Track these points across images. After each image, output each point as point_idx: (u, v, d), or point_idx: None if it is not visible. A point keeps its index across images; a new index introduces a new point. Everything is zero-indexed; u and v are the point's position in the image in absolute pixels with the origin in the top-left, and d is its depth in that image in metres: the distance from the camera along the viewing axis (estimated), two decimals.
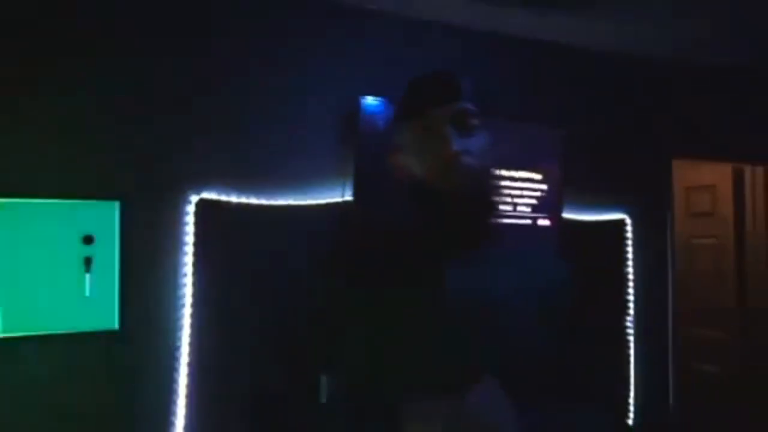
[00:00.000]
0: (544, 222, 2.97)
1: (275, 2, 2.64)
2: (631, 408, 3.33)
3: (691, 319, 4.07)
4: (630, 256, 3.38)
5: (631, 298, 3.36)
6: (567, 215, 3.11)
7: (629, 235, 3.38)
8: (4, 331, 2.17)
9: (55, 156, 2.27)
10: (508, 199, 2.89)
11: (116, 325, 2.32)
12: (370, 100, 2.63)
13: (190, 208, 2.45)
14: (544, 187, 2.98)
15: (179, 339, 2.40)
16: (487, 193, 1.11)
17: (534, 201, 2.95)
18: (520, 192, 2.92)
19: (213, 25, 2.56)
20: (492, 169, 1.13)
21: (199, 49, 2.53)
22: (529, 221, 2.94)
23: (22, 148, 2.22)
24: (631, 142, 3.45)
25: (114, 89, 2.37)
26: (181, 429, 2.37)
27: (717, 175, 4.06)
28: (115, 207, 2.33)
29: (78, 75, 2.32)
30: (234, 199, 2.52)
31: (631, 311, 3.36)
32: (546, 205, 2.98)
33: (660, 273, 3.51)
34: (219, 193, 2.50)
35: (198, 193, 2.47)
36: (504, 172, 2.89)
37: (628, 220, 3.39)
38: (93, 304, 2.29)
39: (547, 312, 1.10)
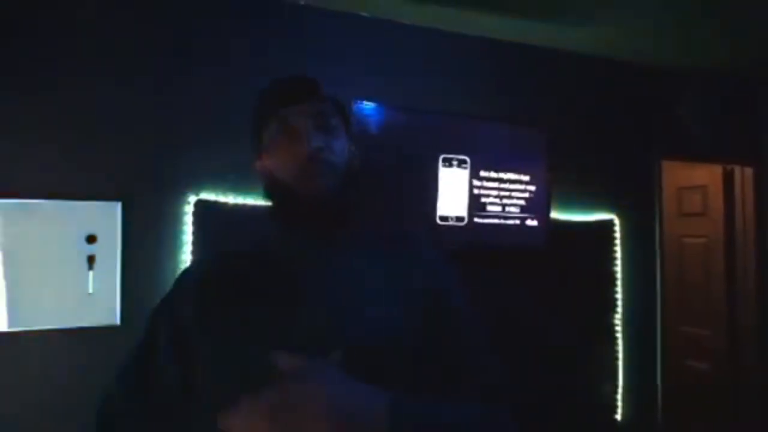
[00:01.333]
0: (532, 222, 3.06)
1: (273, 7, 2.74)
2: (619, 405, 3.41)
3: (681, 317, 4.16)
4: (618, 255, 3.46)
5: (619, 296, 3.44)
6: (555, 216, 3.20)
7: (617, 235, 3.47)
8: (10, 326, 2.28)
9: (61, 159, 2.37)
10: (497, 201, 2.98)
11: (118, 321, 2.43)
12: (364, 105, 2.72)
13: (189, 209, 2.55)
14: (532, 188, 3.06)
15: None
16: (349, 191, 1.04)
17: (522, 202, 3.04)
18: (509, 193, 3.01)
19: (211, 28, 2.65)
20: (354, 169, 1.07)
21: (198, 52, 2.62)
22: (517, 222, 3.03)
23: (29, 152, 2.33)
24: (620, 144, 3.54)
25: (117, 94, 2.47)
26: None
27: (708, 175, 4.14)
28: (117, 207, 2.44)
29: (82, 79, 2.42)
30: (231, 199, 2.62)
31: (619, 310, 3.44)
32: (534, 205, 3.06)
33: (649, 272, 3.59)
34: (217, 194, 2.60)
35: (196, 193, 2.57)
36: (492, 174, 2.97)
37: (617, 221, 3.47)
38: (95, 300, 2.40)
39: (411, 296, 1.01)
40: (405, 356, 0.96)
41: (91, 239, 2.40)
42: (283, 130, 1.04)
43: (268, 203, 1.09)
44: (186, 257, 2.53)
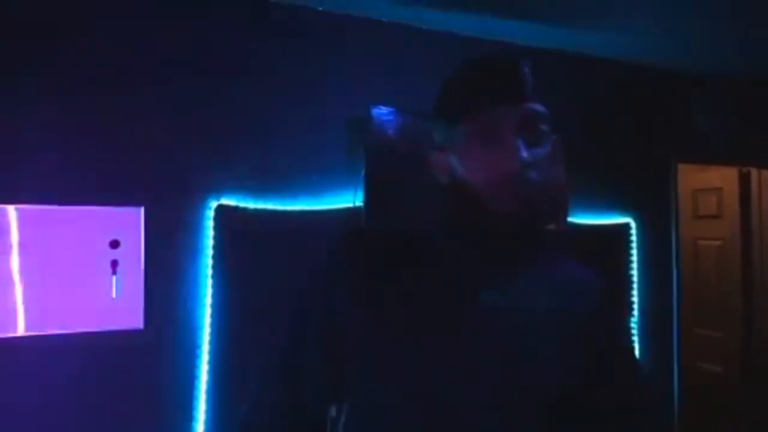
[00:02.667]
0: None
1: (292, 13, 2.75)
2: None
3: (697, 320, 4.15)
4: (634, 258, 3.46)
5: (635, 299, 3.45)
6: (572, 219, 3.20)
7: (633, 238, 3.47)
8: (36, 330, 2.31)
9: (85, 166, 2.40)
10: None
11: (141, 325, 2.46)
12: (380, 109, 2.74)
13: (210, 214, 2.58)
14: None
15: (200, 338, 2.53)
16: (549, 214, 0.90)
17: None
18: None
19: (233, 33, 2.67)
20: (558, 185, 0.90)
21: (219, 57, 2.64)
22: None
23: (53, 158, 2.36)
24: (636, 146, 3.54)
25: (140, 99, 2.50)
26: (202, 424, 2.51)
27: (724, 177, 4.13)
28: (140, 213, 2.47)
29: (105, 86, 2.45)
30: (251, 204, 2.65)
31: (635, 312, 3.44)
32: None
33: (665, 275, 3.59)
34: (237, 199, 2.63)
35: (217, 199, 2.60)
36: None
37: (633, 224, 3.47)
38: (119, 304, 2.43)
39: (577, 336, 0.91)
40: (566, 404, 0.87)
41: (114, 244, 2.43)
42: (490, 132, 0.88)
43: (443, 203, 0.97)
44: (207, 261, 2.55)
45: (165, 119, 2.54)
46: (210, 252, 2.57)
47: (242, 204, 2.62)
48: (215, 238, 2.58)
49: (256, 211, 2.65)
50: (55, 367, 2.34)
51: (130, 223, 2.46)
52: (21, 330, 2.30)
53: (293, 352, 0.95)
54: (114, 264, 2.43)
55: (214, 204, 2.59)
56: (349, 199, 2.74)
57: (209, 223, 2.57)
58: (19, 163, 2.31)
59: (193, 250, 2.57)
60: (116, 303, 2.43)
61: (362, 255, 0.95)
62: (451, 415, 0.84)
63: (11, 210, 2.29)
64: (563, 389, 0.87)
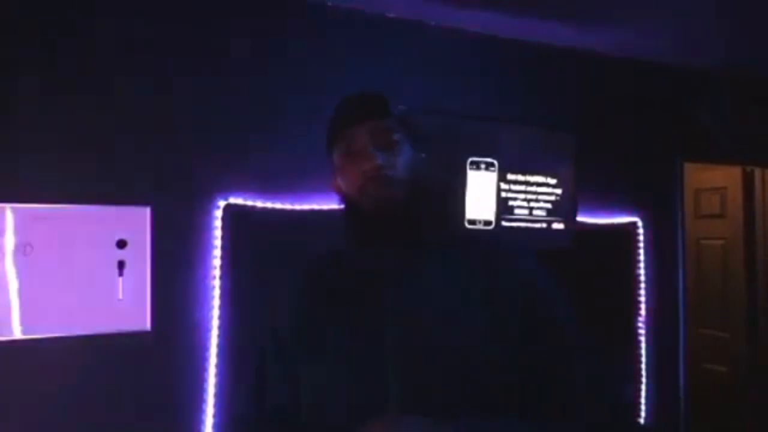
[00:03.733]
0: (558, 225, 3.04)
1: (297, 12, 2.71)
2: (643, 408, 3.40)
3: (701, 319, 4.14)
4: (642, 257, 3.45)
5: (642, 299, 3.43)
6: (581, 218, 3.18)
7: (641, 237, 3.45)
8: (41, 332, 2.26)
9: (91, 165, 2.35)
10: (524, 204, 2.96)
11: (148, 327, 2.41)
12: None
13: (218, 213, 2.53)
14: (558, 191, 3.04)
15: (208, 339, 2.49)
16: (415, 201, 1.07)
17: (549, 205, 3.02)
18: (536, 196, 2.99)
19: (247, 31, 2.63)
20: (420, 183, 1.09)
21: (234, 55, 2.60)
22: (544, 225, 3.01)
23: (58, 157, 2.31)
24: (642, 145, 3.52)
25: (147, 98, 2.45)
26: (210, 425, 2.46)
27: (727, 177, 4.12)
28: (147, 212, 2.42)
29: (111, 84, 2.40)
30: (259, 203, 2.60)
31: (643, 312, 3.43)
32: (560, 208, 3.05)
33: (671, 274, 3.58)
34: (245, 198, 2.58)
35: (225, 198, 2.55)
36: (520, 177, 2.96)
37: (640, 223, 3.46)
38: (125, 306, 2.38)
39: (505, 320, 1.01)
40: (495, 381, 0.97)
41: (121, 244, 2.38)
42: (347, 150, 1.08)
43: (344, 219, 1.14)
44: (215, 261, 2.51)
45: (172, 117, 2.49)
46: (218, 252, 2.52)
47: (251, 203, 2.58)
48: (223, 237, 2.54)
49: (264, 210, 2.60)
50: (59, 370, 2.29)
51: (137, 222, 2.41)
52: (18, 333, 2.24)
53: (259, 371, 1.14)
54: (121, 265, 2.38)
55: (222, 203, 2.54)
56: None
57: (217, 223, 2.53)
58: (19, 162, 2.25)
59: (201, 250, 2.52)
60: (123, 304, 2.38)
61: (309, 277, 1.16)
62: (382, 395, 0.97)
63: (8, 209, 2.24)
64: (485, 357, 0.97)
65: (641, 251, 3.45)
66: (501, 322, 0.99)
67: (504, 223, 2.91)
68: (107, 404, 2.34)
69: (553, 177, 3.03)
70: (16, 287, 2.24)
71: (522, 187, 2.96)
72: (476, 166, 2.85)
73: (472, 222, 2.84)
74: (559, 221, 3.04)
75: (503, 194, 2.91)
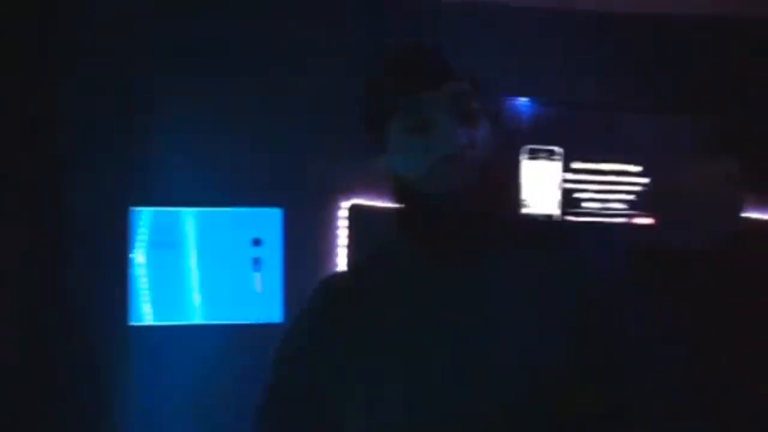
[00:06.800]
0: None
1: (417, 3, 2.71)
2: None
3: None
4: None
5: None
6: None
7: None
8: (195, 319, 2.60)
9: (229, 172, 2.63)
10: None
11: (281, 318, 2.63)
12: (518, 101, 2.64)
13: (343, 213, 2.66)
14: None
15: None
16: (489, 193, 0.85)
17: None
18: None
19: (364, 27, 2.67)
20: (498, 163, 0.86)
21: (356, 56, 2.65)
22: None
23: (202, 168, 2.62)
24: None
25: (279, 111, 2.65)
26: None
27: None
28: (279, 214, 2.64)
29: (246, 100, 2.64)
30: (385, 204, 2.68)
31: None
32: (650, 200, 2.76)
33: None
34: (371, 198, 2.68)
35: (351, 199, 2.67)
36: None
37: None
38: (261, 299, 2.62)
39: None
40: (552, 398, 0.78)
41: (256, 243, 2.62)
42: (415, 122, 0.82)
43: (398, 211, 0.93)
44: (339, 259, 2.65)
45: (299, 129, 2.66)
46: (343, 250, 2.66)
47: (374, 203, 2.67)
48: (349, 237, 2.66)
49: (390, 209, 2.66)
50: (209, 355, 2.58)
51: (271, 223, 2.63)
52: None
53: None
54: (257, 261, 2.62)
55: (346, 204, 2.66)
56: None
57: (342, 222, 2.66)
58: (180, 171, 2.59)
59: (328, 248, 2.67)
60: (259, 297, 2.62)
61: (335, 311, 0.93)
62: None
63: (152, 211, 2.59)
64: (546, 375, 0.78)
65: None
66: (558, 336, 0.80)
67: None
68: (244, 388, 2.57)
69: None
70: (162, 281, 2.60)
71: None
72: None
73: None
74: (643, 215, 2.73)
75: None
